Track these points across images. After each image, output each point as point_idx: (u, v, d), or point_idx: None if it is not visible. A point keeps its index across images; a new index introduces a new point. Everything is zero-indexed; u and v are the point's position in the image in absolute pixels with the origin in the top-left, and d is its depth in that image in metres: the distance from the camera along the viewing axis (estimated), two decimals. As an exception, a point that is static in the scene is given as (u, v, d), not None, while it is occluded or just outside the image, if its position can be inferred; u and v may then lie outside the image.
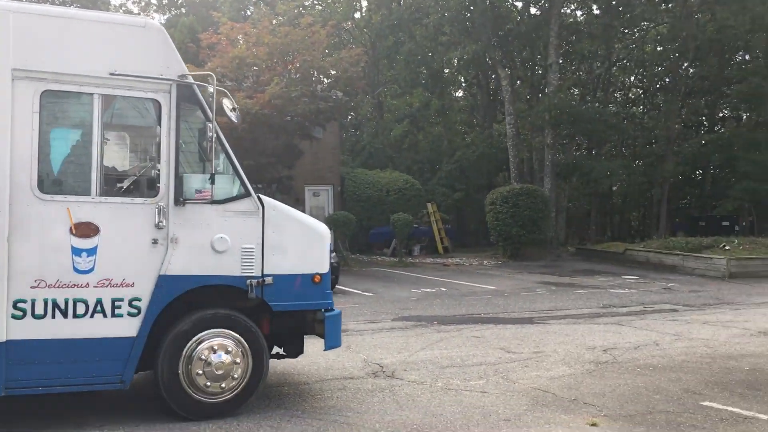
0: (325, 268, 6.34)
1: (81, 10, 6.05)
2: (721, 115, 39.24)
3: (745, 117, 37.27)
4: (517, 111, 30.45)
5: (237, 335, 5.91)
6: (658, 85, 37.78)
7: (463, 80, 41.18)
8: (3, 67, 5.32)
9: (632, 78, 40.23)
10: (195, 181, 5.86)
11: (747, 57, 33.89)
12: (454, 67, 37.43)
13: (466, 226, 35.34)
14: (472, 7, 29.36)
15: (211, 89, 5.76)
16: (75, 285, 5.46)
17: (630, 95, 41.36)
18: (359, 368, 7.83)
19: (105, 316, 5.54)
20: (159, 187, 5.72)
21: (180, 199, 5.74)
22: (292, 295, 6.15)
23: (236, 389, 5.89)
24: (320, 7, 37.58)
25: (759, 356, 8.64)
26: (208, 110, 5.79)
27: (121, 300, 5.59)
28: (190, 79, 5.86)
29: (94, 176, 5.58)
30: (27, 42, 5.41)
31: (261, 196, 6.15)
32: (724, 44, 31.11)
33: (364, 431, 5.55)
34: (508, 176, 31.48)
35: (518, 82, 34.16)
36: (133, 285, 5.62)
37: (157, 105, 5.77)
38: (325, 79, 24.64)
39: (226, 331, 5.89)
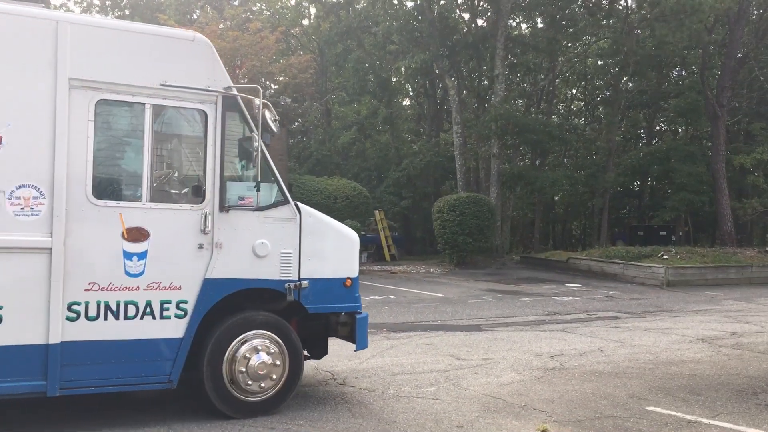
0: (355, 273, 6.72)
1: (134, 22, 6.61)
2: (658, 128, 40.60)
3: (681, 130, 38.64)
4: (464, 120, 30.82)
5: (276, 337, 6.22)
6: (599, 98, 38.84)
7: (410, 89, 41.48)
8: (61, 76, 5.52)
9: (574, 90, 41.25)
10: (239, 189, 6.27)
11: (684, 72, 35.18)
12: (402, 76, 37.67)
13: (413, 234, 35.53)
14: (420, 17, 29.64)
15: (257, 101, 6.03)
16: (126, 288, 5.70)
17: (572, 107, 42.39)
18: (310, 376, 7.76)
19: (154, 318, 5.79)
20: (205, 193, 5.99)
21: (225, 206, 6.02)
22: (326, 298, 6.52)
23: (275, 388, 6.19)
24: (268, 13, 37.34)
25: (698, 362, 8.92)
26: (251, 121, 6.12)
27: (169, 302, 5.84)
28: (235, 92, 6.12)
29: (145, 183, 5.82)
30: (83, 52, 5.62)
31: (298, 203, 6.49)
32: (663, 60, 32.15)
33: (317, 440, 5.49)
34: (455, 185, 31.81)
35: (465, 92, 34.60)
36: (180, 288, 5.87)
37: (204, 115, 6.02)
38: (273, 85, 24.46)
39: (266, 332, 6.20)
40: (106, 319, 5.59)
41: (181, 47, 6.00)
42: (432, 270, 24.94)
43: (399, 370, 8.13)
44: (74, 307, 5.49)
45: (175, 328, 5.82)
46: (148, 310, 5.74)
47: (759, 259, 23.86)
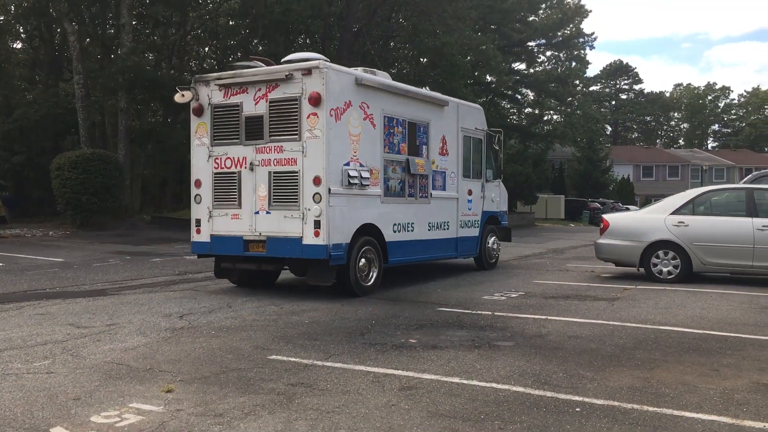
0: (506, 208, 16.38)
1: (469, 102, 16.30)
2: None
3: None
4: (87, 70, 28.44)
5: (497, 237, 15.41)
6: (231, 58, 39.10)
7: (22, 31, 36.73)
8: (459, 126, 13.79)
9: (207, 48, 40.90)
10: (489, 172, 15.01)
11: (308, 41, 37.29)
12: (11, 15, 33.11)
13: (29, 194, 31.95)
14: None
15: (500, 136, 15.39)
16: (468, 214, 14.15)
17: (205, 65, 42.01)
18: None
19: (473, 227, 14.37)
20: (482, 174, 14.76)
21: (487, 180, 14.92)
22: (503, 219, 15.85)
23: (496, 258, 15.69)
24: None
25: (316, 310, 9.71)
26: (494, 143, 15.39)
27: (476, 221, 14.50)
28: (489, 131, 15.19)
29: (470, 170, 14.26)
30: (461, 115, 13.93)
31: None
32: (290, 26, 33.57)
33: None
34: (78, 140, 29.33)
35: (88, 39, 31.86)
36: (477, 215, 14.56)
37: (481, 141, 14.70)
38: None
39: (495, 234, 15.32)
40: (463, 227, 13.89)
41: (476, 111, 14.84)
42: (51, 233, 22.83)
43: (6, 346, 7.26)
44: (459, 221, 13.70)
45: (476, 231, 14.48)
46: (472, 224, 14.27)
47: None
